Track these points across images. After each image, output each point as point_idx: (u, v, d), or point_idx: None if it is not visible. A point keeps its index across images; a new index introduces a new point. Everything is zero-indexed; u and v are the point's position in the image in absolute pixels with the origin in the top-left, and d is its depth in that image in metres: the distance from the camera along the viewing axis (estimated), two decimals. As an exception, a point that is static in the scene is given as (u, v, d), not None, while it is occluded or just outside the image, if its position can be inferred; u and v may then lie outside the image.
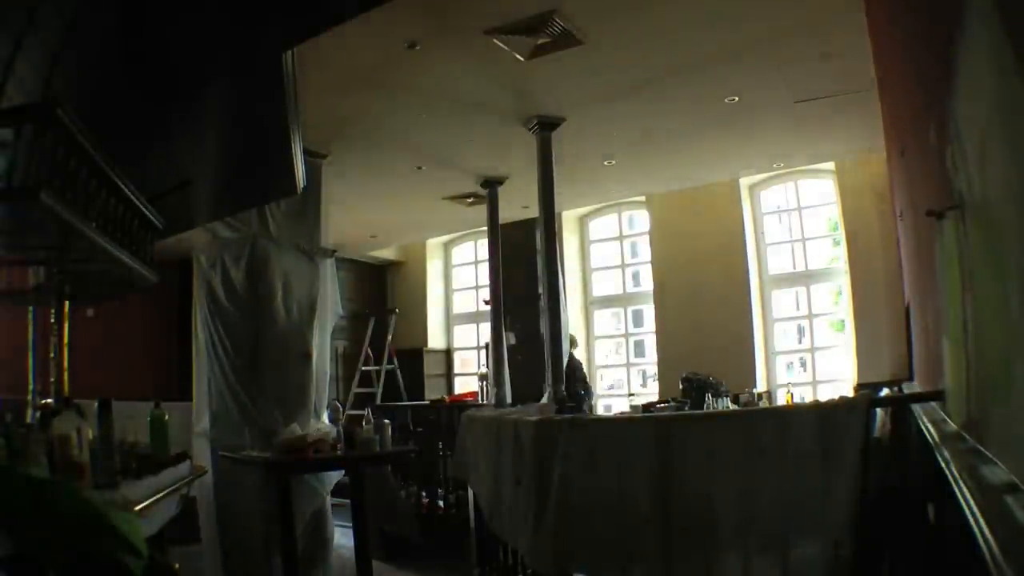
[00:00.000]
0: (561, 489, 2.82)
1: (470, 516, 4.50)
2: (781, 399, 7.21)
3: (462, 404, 6.75)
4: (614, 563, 2.63)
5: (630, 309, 9.06)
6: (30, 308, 3.79)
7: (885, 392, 3.85)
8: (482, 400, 7.75)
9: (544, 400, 5.46)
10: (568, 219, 9.06)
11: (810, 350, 7.80)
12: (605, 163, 6.73)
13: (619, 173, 7.12)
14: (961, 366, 1.52)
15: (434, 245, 10.55)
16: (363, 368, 8.98)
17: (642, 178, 7.58)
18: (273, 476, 4.22)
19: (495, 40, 4.18)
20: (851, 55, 4.30)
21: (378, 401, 8.42)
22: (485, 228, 7.32)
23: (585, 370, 7.07)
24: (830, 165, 7.32)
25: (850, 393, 6.27)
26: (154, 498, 2.63)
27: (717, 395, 5.41)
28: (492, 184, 6.93)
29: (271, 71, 3.17)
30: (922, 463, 1.90)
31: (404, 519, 5.77)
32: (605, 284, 9.30)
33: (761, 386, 7.47)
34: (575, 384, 5.07)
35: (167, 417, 3.29)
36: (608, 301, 9.22)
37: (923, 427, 1.99)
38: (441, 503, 5.99)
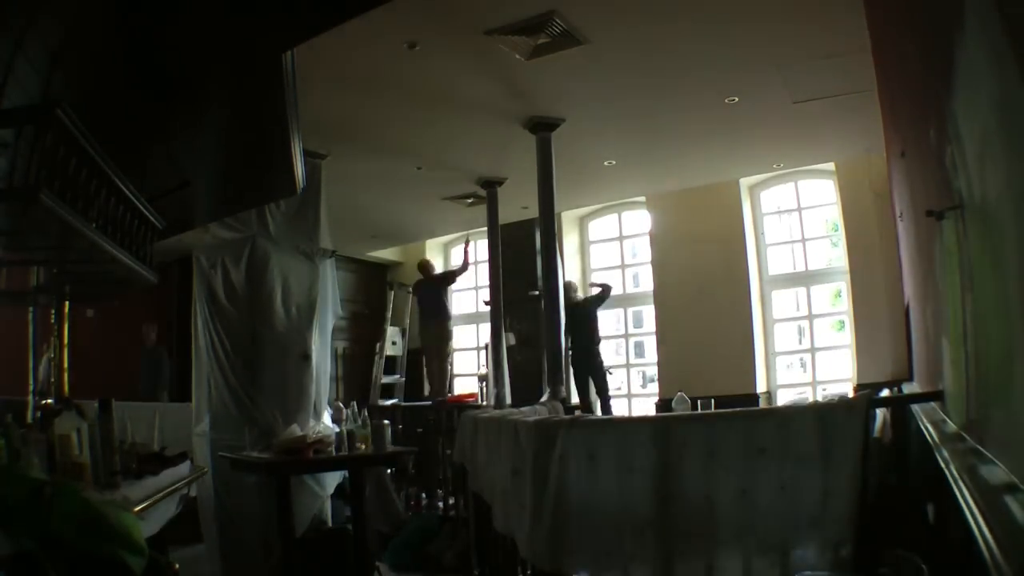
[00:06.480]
0: (560, 489, 2.81)
1: (470, 517, 4.49)
2: (781, 400, 7.20)
3: (462, 404, 6.74)
4: (614, 564, 2.63)
5: (630, 309, 9.05)
6: (30, 308, 3.79)
7: (885, 392, 3.85)
8: (482, 400, 7.74)
9: (545, 398, 5.45)
10: (568, 219, 9.06)
11: (810, 350, 7.79)
12: (605, 163, 6.73)
13: (619, 173, 7.11)
14: (961, 366, 1.52)
15: (434, 245, 10.54)
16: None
17: (642, 178, 7.57)
18: (273, 477, 4.22)
19: (495, 40, 4.19)
20: (851, 55, 4.30)
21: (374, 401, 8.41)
22: (485, 228, 7.32)
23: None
24: (830, 165, 7.31)
25: (850, 393, 6.27)
26: (154, 498, 2.63)
27: None
28: (492, 184, 6.92)
29: (271, 71, 3.16)
30: (922, 463, 1.90)
31: (392, 517, 5.77)
32: (605, 285, 9.28)
33: (761, 387, 7.47)
34: None
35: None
36: (608, 302, 9.20)
37: (923, 427, 1.99)
38: (441, 504, 5.99)
